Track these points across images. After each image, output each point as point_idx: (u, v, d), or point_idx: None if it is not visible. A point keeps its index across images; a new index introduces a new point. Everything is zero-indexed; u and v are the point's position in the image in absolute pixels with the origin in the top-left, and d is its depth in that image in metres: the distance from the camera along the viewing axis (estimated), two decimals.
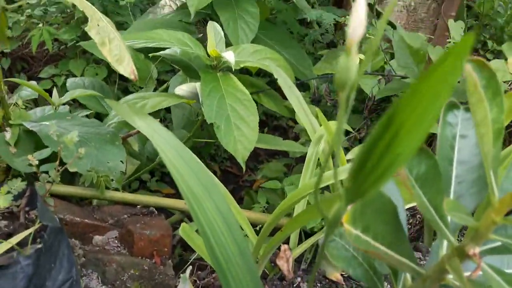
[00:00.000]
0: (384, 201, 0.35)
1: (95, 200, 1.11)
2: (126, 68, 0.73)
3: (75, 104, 1.65)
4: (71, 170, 0.75)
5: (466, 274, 0.34)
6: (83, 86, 1.51)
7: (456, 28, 1.08)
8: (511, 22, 1.95)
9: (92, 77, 1.76)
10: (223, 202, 0.44)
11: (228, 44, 1.40)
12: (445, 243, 0.40)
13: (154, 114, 1.45)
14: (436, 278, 0.37)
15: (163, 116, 1.78)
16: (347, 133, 1.35)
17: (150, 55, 1.42)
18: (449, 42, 1.28)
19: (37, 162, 0.69)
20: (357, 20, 0.25)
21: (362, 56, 1.33)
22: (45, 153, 0.70)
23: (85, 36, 1.84)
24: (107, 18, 0.75)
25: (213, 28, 1.31)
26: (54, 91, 1.13)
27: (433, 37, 1.41)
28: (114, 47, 0.71)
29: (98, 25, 0.70)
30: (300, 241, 1.00)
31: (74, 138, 0.68)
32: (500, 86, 0.33)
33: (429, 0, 1.85)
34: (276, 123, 1.90)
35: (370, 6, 1.60)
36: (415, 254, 1.04)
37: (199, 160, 0.90)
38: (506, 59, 1.18)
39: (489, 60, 1.96)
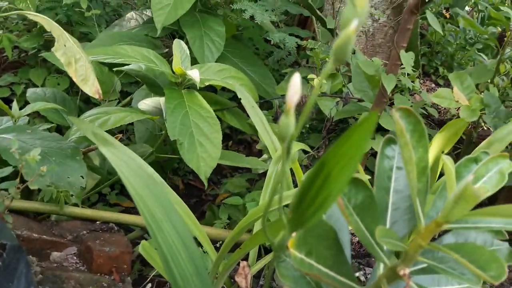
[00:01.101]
0: (326, 228, 0.39)
1: (53, 215, 1.10)
2: (91, 87, 0.75)
3: (34, 114, 1.62)
4: (32, 187, 0.74)
5: None
6: (44, 97, 1.49)
7: (406, 59, 1.17)
8: (460, 51, 2.10)
9: (53, 87, 1.73)
10: (181, 224, 0.47)
11: (193, 61, 1.42)
12: (381, 264, 0.44)
13: (117, 127, 1.45)
14: None
15: (125, 128, 1.77)
16: (306, 152, 1.40)
17: (115, 69, 1.42)
18: (402, 68, 1.37)
19: None
20: (293, 90, 0.29)
21: (323, 80, 1.40)
22: (6, 171, 0.70)
23: (47, 45, 1.82)
24: (73, 38, 0.76)
25: (179, 46, 1.33)
26: (14, 103, 1.11)
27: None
28: (79, 67, 0.72)
29: (65, 46, 0.72)
30: (259, 257, 1.03)
31: (36, 157, 0.68)
32: (425, 130, 0.38)
33: (386, 27, 1.96)
34: (241, 136, 1.93)
35: (331, 31, 1.68)
36: (367, 270, 1.10)
37: (161, 180, 0.91)
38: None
39: (440, 85, 2.10)
